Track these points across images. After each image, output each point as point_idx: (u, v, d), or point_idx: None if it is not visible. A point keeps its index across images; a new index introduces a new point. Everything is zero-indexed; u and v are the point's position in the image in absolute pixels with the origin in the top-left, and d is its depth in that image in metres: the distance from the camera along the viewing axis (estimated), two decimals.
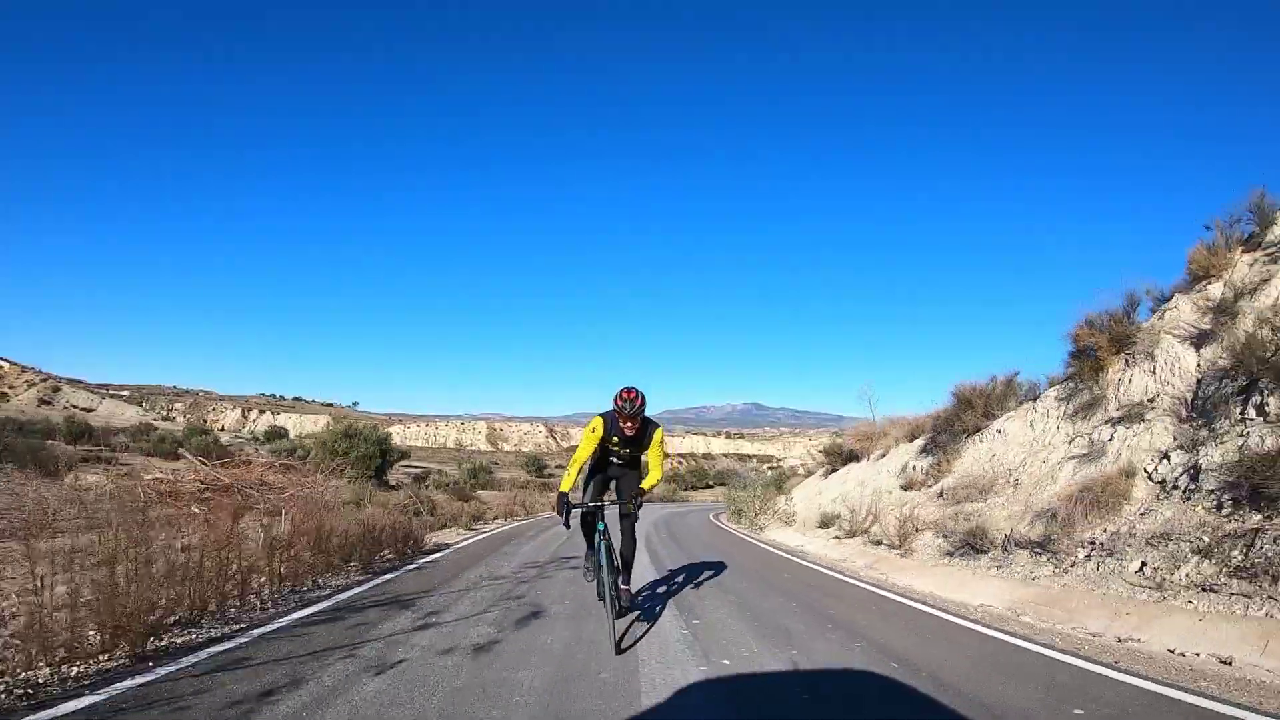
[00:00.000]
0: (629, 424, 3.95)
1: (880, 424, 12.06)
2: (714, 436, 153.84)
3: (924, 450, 9.77)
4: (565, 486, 3.99)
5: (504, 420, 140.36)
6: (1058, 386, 8.06)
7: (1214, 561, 4.25)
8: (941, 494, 8.09)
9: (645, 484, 4.29)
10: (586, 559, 4.46)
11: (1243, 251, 7.59)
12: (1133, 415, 6.62)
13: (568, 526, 3.99)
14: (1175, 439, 5.99)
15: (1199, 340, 6.81)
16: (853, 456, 12.36)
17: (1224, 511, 4.71)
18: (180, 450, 21.99)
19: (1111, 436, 6.60)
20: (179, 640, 3.63)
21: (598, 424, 4.10)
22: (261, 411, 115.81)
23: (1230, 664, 3.40)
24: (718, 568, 6.93)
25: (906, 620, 4.60)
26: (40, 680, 2.89)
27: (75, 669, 3.06)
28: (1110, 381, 7.34)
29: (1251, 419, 5.30)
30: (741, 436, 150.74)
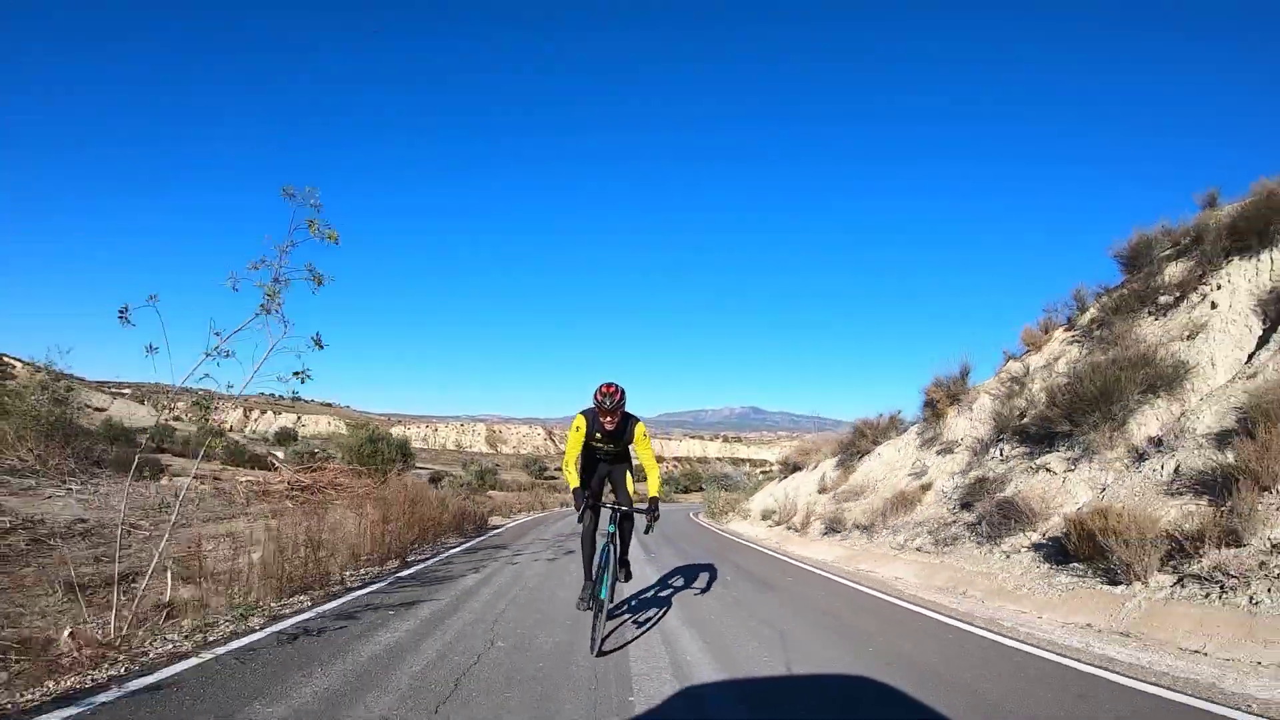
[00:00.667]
0: (608, 419, 4.03)
1: (817, 442, 15.94)
2: (711, 440, 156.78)
3: (837, 464, 13.64)
4: (575, 483, 4.11)
5: (502, 422, 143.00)
6: (917, 424, 11.91)
7: (931, 537, 8.08)
8: (834, 496, 11.94)
9: (652, 490, 4.26)
10: (584, 591, 4.13)
11: (1063, 330, 11.34)
12: (949, 448, 10.45)
13: (582, 520, 4.14)
14: (963, 466, 9.81)
15: (1001, 400, 10.62)
16: (797, 467, 16.24)
17: (953, 511, 8.54)
18: (270, 458, 26.16)
19: (932, 463, 10.43)
20: (417, 556, 7.42)
21: (580, 421, 4.19)
22: (263, 411, 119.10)
23: (900, 580, 7.22)
24: (679, 543, 10.76)
25: (770, 561, 8.43)
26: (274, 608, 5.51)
27: (301, 598, 6.82)
28: (946, 424, 11.16)
29: (995, 458, 9.12)
30: (739, 440, 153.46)
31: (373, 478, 15.14)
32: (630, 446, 4.39)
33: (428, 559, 7.68)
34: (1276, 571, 4.30)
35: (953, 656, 3.96)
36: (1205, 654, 3.92)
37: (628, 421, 4.20)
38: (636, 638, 4.19)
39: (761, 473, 37.55)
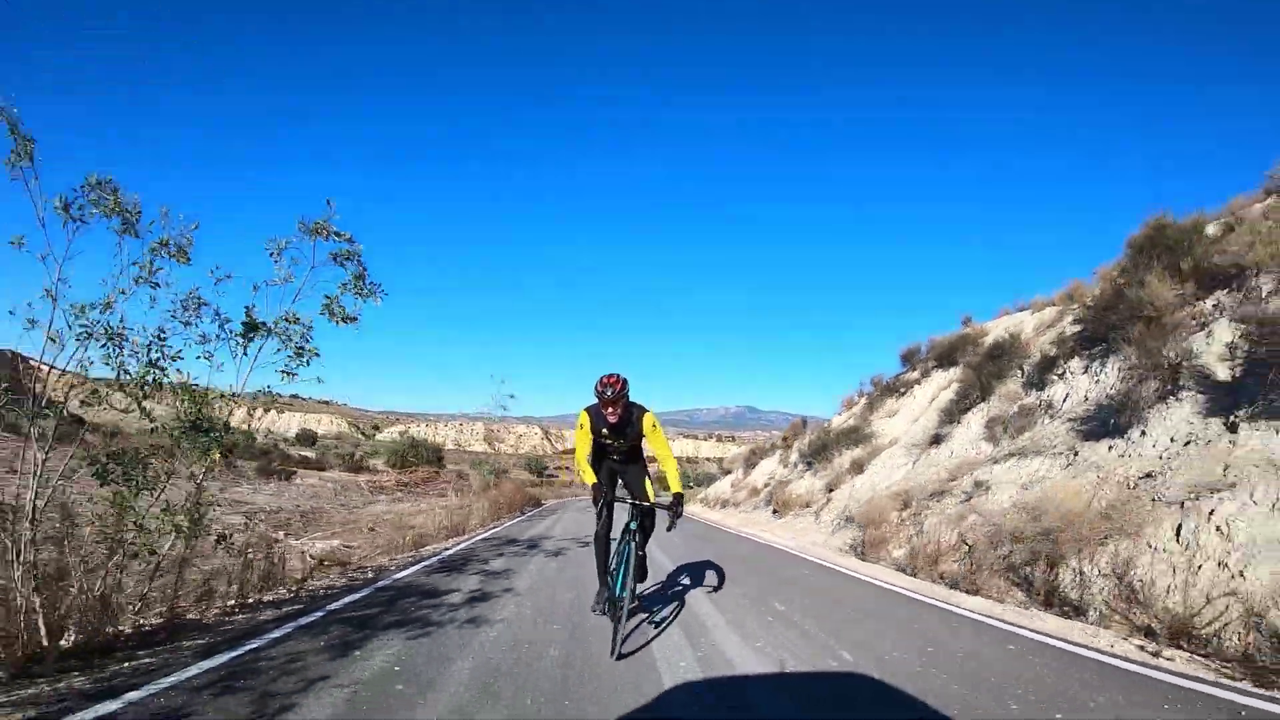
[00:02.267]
0: (611, 410, 3.96)
1: (774, 438, 25.21)
2: (704, 439, 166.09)
3: (744, 468, 22.89)
4: (591, 479, 4.07)
5: (499, 421, 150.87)
6: (780, 451, 21.21)
7: (767, 508, 17.37)
8: (735, 488, 21.21)
9: (673, 485, 4.19)
10: (598, 595, 4.14)
11: (860, 399, 20.59)
12: (784, 463, 19.70)
13: (600, 516, 4.14)
14: (784, 475, 19.04)
15: (805, 441, 19.89)
16: (728, 470, 25.48)
17: (769, 497, 17.79)
18: (371, 463, 36.20)
19: (775, 471, 19.73)
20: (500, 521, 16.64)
21: (584, 418, 4.13)
22: (266, 410, 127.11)
23: (769, 530, 16.50)
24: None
25: (696, 523, 17.67)
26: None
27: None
28: (790, 450, 20.40)
29: (795, 470, 18.32)
30: (732, 440, 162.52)
31: (437, 473, 24.99)
32: (642, 442, 4.29)
33: (528, 514, 16.81)
34: (825, 506, 13.52)
35: (764, 552, 13.12)
36: (799, 536, 13.16)
37: (632, 412, 4.10)
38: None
39: (723, 471, 47.42)
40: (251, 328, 4.79)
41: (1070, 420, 9.34)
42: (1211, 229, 10.93)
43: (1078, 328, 11.74)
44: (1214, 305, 8.96)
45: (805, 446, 18.17)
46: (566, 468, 74.83)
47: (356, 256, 4.96)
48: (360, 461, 41.58)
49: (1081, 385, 10.18)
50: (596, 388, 3.99)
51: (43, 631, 3.43)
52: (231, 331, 4.80)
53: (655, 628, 4.38)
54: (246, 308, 4.77)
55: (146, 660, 3.44)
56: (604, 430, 4.12)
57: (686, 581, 6.40)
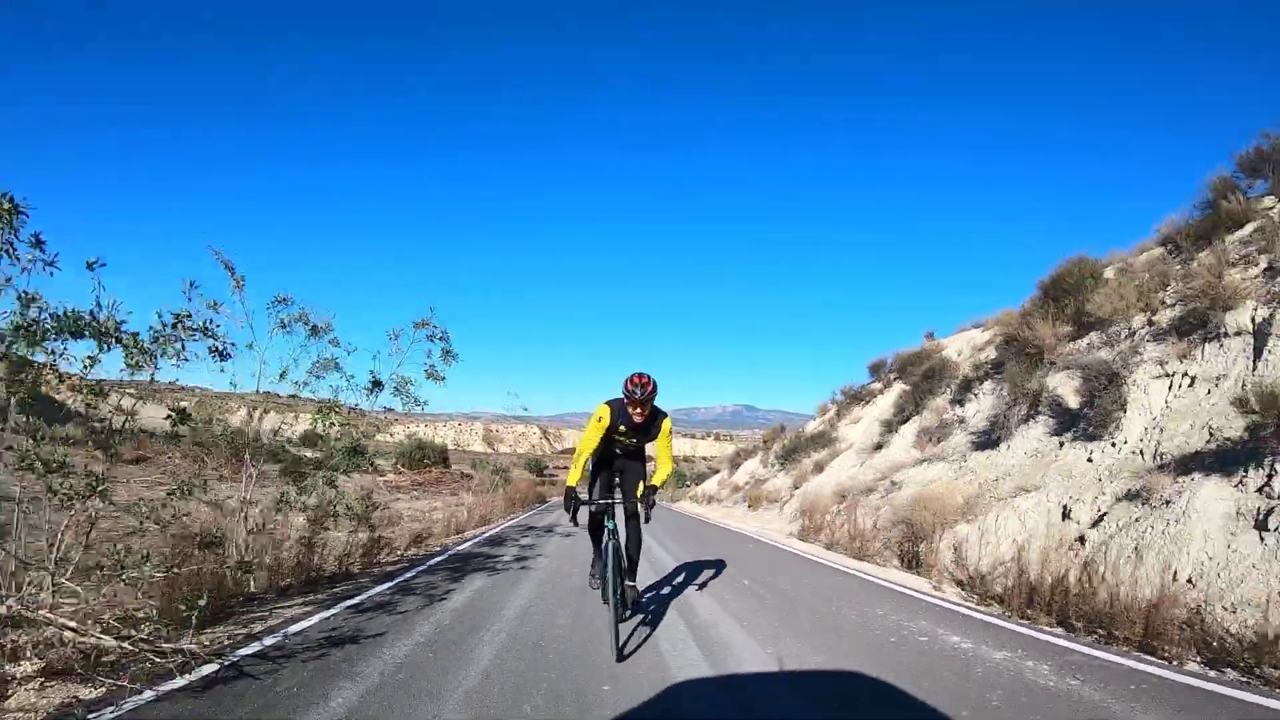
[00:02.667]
0: (638, 410, 4.03)
1: (758, 438, 27.90)
2: (702, 438, 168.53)
3: (729, 469, 25.58)
4: (573, 480, 4.13)
5: (498, 421, 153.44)
6: (760, 454, 23.91)
7: (745, 504, 20.08)
8: (721, 485, 23.91)
9: (656, 479, 4.35)
10: (593, 567, 4.54)
11: (833, 408, 23.30)
12: (763, 463, 22.40)
13: (575, 523, 4.23)
14: (762, 475, 21.73)
15: (780, 445, 22.58)
16: (715, 470, 28.16)
17: (746, 494, 20.49)
18: (377, 464, 38.53)
19: (755, 470, 22.43)
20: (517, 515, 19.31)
21: (604, 412, 4.18)
22: (267, 411, 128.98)
23: (732, 519, 19.21)
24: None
25: (682, 517, 20.34)
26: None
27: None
28: (769, 453, 23.09)
29: (770, 470, 20.99)
30: (729, 439, 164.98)
31: (444, 474, 27.51)
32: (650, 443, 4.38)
33: (539, 508, 19.44)
34: (790, 501, 16.18)
35: (730, 536, 15.76)
36: (765, 525, 15.82)
37: (656, 415, 4.21)
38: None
39: (712, 471, 50.56)
40: (376, 384, 7.40)
41: (970, 434, 12.00)
42: (1109, 272, 13.54)
43: (994, 354, 14.38)
44: (1087, 344, 11.58)
45: (779, 449, 20.85)
46: (566, 467, 77.27)
47: (445, 336, 7.55)
48: (370, 461, 44.02)
49: (986, 405, 12.83)
50: (626, 386, 4.04)
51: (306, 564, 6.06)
52: (358, 385, 7.41)
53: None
54: (371, 372, 7.38)
55: (344, 587, 6.05)
56: (622, 427, 4.22)
57: (666, 555, 9.04)
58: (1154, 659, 4.21)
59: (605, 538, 4.19)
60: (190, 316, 4.31)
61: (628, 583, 4.28)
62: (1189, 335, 8.89)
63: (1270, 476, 5.79)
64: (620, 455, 4.52)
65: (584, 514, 4.43)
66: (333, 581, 6.23)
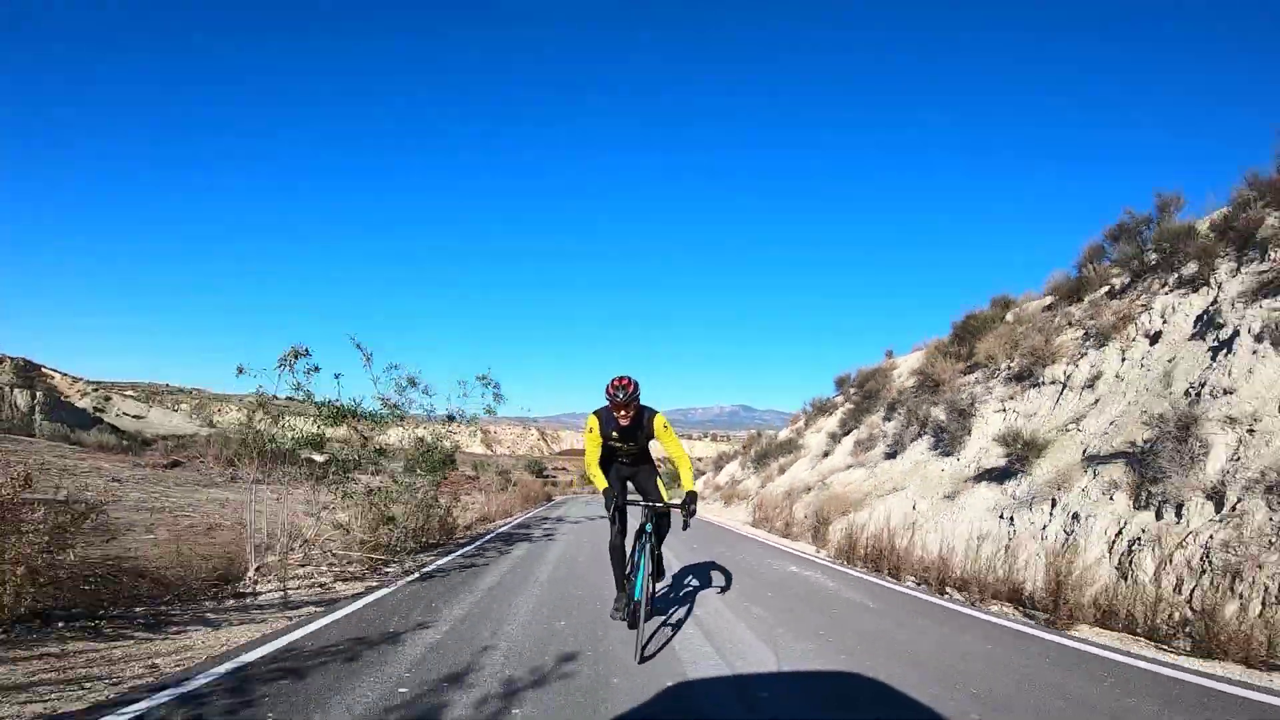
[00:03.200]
0: (623, 413, 4.04)
1: (712, 459, 31.59)
2: (699, 439, 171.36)
3: (714, 469, 29.30)
4: (603, 483, 4.20)
5: (495, 422, 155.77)
6: (740, 458, 27.67)
7: (723, 501, 23.81)
8: (705, 484, 27.61)
9: (685, 481, 4.27)
10: (617, 601, 4.43)
11: (803, 419, 27.02)
12: (742, 465, 26.15)
13: (614, 522, 4.27)
14: (744, 474, 25.46)
15: (752, 449, 26.33)
16: (700, 472, 31.87)
17: (728, 491, 24.22)
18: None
19: (733, 472, 26.18)
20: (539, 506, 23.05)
21: (593, 422, 4.21)
22: (267, 413, 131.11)
23: (716, 515, 22.96)
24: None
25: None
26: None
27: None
28: (748, 454, 26.82)
29: (745, 472, 24.73)
30: (726, 439, 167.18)
31: (471, 479, 31.08)
32: (651, 443, 4.33)
33: (546, 505, 23.15)
34: (754, 497, 19.93)
35: (703, 525, 19.44)
36: (732, 516, 19.55)
37: (643, 415, 4.19)
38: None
39: (699, 473, 54.61)
40: (450, 418, 11.10)
41: (885, 446, 15.71)
42: (1011, 315, 17.23)
43: (913, 382, 18.10)
44: (973, 379, 15.29)
45: (754, 454, 24.60)
46: (565, 468, 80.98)
47: (495, 384, 11.23)
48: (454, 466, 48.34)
49: (899, 424, 16.56)
50: (607, 391, 4.02)
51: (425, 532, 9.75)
52: (437, 418, 11.09)
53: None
54: (447, 409, 11.08)
55: (446, 548, 9.71)
56: (614, 433, 4.20)
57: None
58: (905, 585, 7.91)
59: (642, 539, 4.21)
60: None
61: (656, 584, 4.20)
62: (1023, 381, 12.61)
63: (1016, 487, 9.52)
64: (625, 462, 4.54)
65: (634, 514, 4.48)
66: (433, 547, 9.93)
